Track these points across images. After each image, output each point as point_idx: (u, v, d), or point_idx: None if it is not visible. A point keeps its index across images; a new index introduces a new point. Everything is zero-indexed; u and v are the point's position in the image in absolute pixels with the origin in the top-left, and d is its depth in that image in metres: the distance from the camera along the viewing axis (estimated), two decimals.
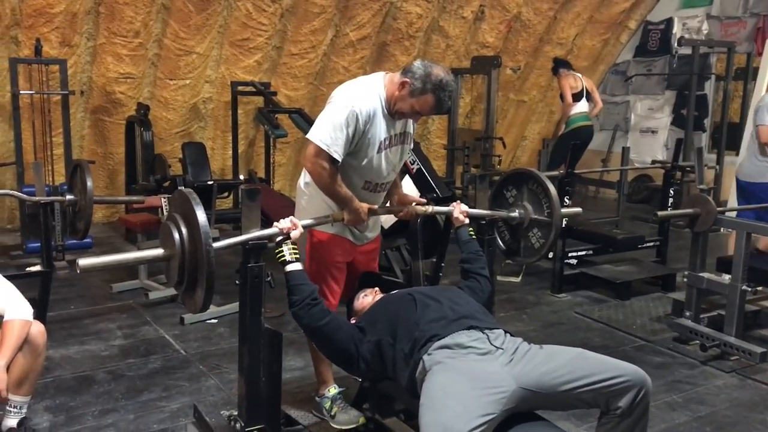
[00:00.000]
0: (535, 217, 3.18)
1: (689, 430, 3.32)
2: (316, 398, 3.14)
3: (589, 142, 7.84)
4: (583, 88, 7.67)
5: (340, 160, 2.76)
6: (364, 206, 2.85)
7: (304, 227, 2.70)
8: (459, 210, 3.06)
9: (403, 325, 2.50)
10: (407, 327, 2.49)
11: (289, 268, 2.60)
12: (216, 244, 2.24)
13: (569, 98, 7.60)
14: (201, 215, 2.20)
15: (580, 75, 7.84)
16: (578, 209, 3.56)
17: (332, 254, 3.03)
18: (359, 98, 2.77)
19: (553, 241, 3.15)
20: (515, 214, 3.23)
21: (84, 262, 2.15)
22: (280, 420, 2.87)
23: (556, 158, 7.41)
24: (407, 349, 2.44)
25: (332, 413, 3.04)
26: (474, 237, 3.06)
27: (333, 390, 3.12)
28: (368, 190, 2.97)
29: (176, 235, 2.26)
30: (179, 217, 2.28)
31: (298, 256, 2.61)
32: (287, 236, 2.60)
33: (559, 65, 7.88)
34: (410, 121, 3.01)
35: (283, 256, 2.61)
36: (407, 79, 2.73)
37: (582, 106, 7.67)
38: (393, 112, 2.82)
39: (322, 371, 3.16)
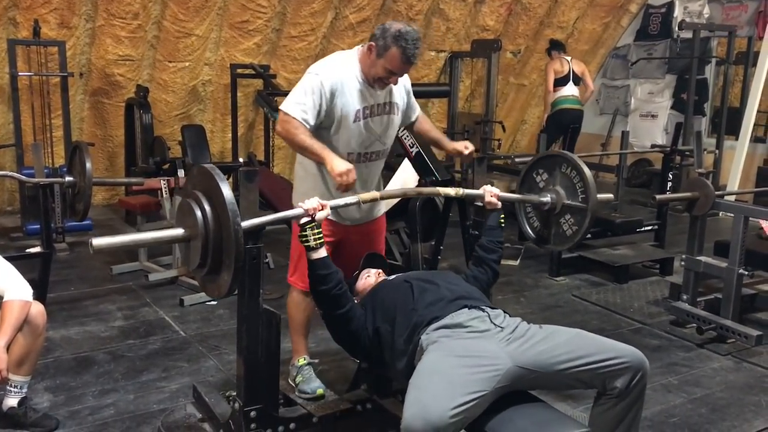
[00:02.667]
0: (569, 202, 2.96)
1: (684, 412, 3.35)
2: (290, 367, 3.19)
3: (576, 125, 7.98)
4: (569, 72, 7.78)
5: (306, 123, 2.81)
6: (350, 165, 2.74)
7: (332, 208, 2.57)
8: (490, 193, 2.91)
9: (401, 313, 2.51)
10: (405, 314, 2.49)
11: (314, 255, 2.48)
12: (244, 223, 2.09)
13: (550, 85, 7.79)
14: (227, 192, 2.04)
15: (568, 58, 7.92)
16: (610, 195, 3.27)
17: None
18: (325, 68, 2.89)
19: (588, 228, 2.91)
20: (547, 198, 3.02)
21: (98, 242, 2.02)
22: (279, 400, 2.88)
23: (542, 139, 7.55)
24: (406, 335, 2.45)
25: (296, 382, 3.09)
26: (503, 225, 2.93)
27: (302, 360, 3.16)
28: (354, 161, 2.96)
29: (198, 214, 2.09)
30: (201, 195, 2.11)
31: (322, 240, 2.49)
32: (312, 218, 2.46)
33: (552, 47, 7.98)
34: (395, 92, 3.02)
35: (307, 240, 2.46)
36: (372, 43, 2.82)
37: (568, 90, 7.80)
38: (372, 81, 2.88)
39: (295, 341, 3.22)
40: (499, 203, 2.91)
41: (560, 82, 7.82)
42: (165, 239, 2.24)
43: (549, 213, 3.05)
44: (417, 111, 3.29)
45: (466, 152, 3.17)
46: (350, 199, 2.66)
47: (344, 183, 2.73)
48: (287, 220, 2.47)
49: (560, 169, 3.01)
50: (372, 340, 2.58)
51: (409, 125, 3.35)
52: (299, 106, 2.83)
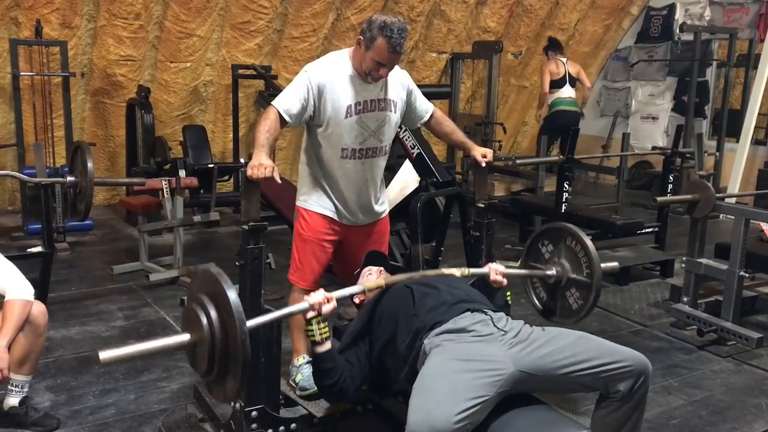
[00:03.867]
0: (574, 276, 2.89)
1: (685, 414, 3.35)
2: (290, 367, 3.19)
3: (574, 127, 7.86)
4: (565, 74, 7.80)
5: (286, 117, 2.86)
6: (268, 170, 2.61)
7: (338, 299, 2.44)
8: (495, 271, 2.80)
9: (402, 320, 2.49)
10: (407, 320, 2.48)
11: (319, 349, 2.42)
12: (249, 323, 2.01)
13: (546, 87, 7.80)
14: (233, 297, 1.96)
15: (564, 60, 7.95)
16: (615, 264, 3.17)
17: (317, 232, 3.08)
18: (315, 66, 2.95)
19: (593, 303, 2.84)
20: (552, 272, 2.94)
21: (105, 355, 1.98)
22: (280, 401, 2.89)
23: (541, 141, 7.71)
24: (408, 340, 2.44)
25: (296, 381, 3.09)
26: (509, 303, 2.85)
27: (302, 359, 3.17)
28: (348, 158, 2.99)
29: (204, 320, 2.02)
30: (206, 299, 2.05)
31: (329, 335, 2.43)
32: (319, 313, 2.37)
33: (549, 47, 8.01)
34: (391, 88, 3.03)
35: (313, 335, 2.39)
36: (360, 37, 2.85)
37: (565, 92, 7.82)
38: (364, 75, 2.89)
39: (295, 339, 3.23)
40: (505, 281, 2.82)
41: (557, 84, 7.85)
42: (172, 346, 2.12)
43: (555, 286, 2.99)
44: (429, 111, 3.25)
45: (483, 163, 3.12)
46: (355, 289, 2.57)
47: (251, 175, 2.61)
48: (293, 314, 2.43)
49: (564, 242, 2.96)
50: (373, 352, 2.57)
51: (427, 126, 3.33)
52: (284, 99, 2.89)
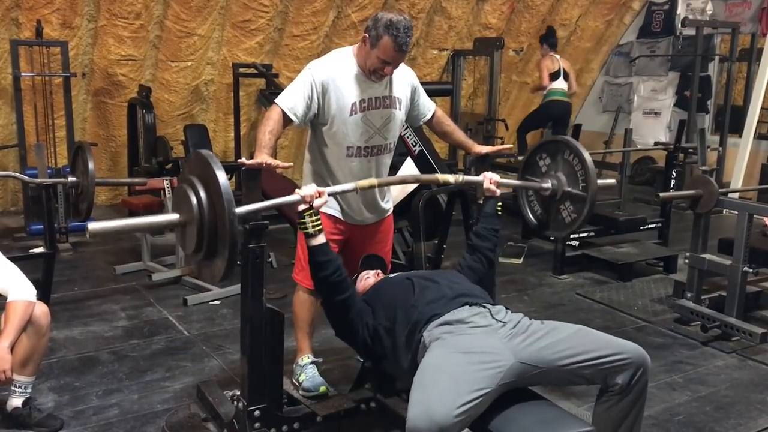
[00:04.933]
0: (569, 189, 2.92)
1: (689, 410, 3.34)
2: (294, 366, 3.18)
3: (566, 118, 8.32)
4: (560, 69, 8.07)
5: (291, 115, 2.85)
6: (270, 161, 2.67)
7: (330, 194, 2.57)
8: (489, 180, 2.88)
9: (401, 310, 2.50)
10: (405, 311, 2.49)
11: (313, 242, 2.49)
12: (238, 210, 2.08)
13: (546, 80, 8.04)
14: (222, 178, 2.02)
15: (558, 56, 8.19)
16: (612, 181, 3.24)
17: (323, 232, 3.06)
18: (319, 63, 2.94)
19: (587, 216, 2.89)
20: (548, 184, 2.98)
21: (94, 226, 2.00)
22: (282, 400, 2.89)
23: (526, 124, 8.40)
24: (407, 332, 2.45)
25: (300, 381, 3.09)
26: (500, 213, 2.91)
27: (306, 359, 3.16)
28: (353, 156, 2.98)
29: (194, 199, 2.08)
30: (196, 180, 2.10)
31: (321, 227, 2.51)
32: (310, 206, 2.47)
33: (546, 39, 8.21)
34: (396, 86, 3.02)
35: (306, 227, 2.48)
36: (365, 35, 2.83)
37: (559, 84, 8.07)
38: (368, 73, 2.89)
39: (299, 339, 3.22)
40: (498, 191, 2.88)
41: (552, 76, 8.06)
42: (161, 223, 2.24)
43: (550, 199, 3.02)
44: (431, 109, 3.26)
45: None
46: (347, 186, 2.66)
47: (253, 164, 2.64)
48: (284, 206, 2.48)
49: (563, 155, 2.97)
50: (372, 336, 2.58)
51: (428, 125, 3.33)
52: (288, 97, 2.88)
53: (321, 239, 2.50)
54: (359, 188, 2.66)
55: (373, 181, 2.74)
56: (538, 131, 8.57)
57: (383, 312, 2.57)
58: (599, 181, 2.87)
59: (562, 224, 2.99)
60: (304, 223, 2.47)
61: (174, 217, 2.14)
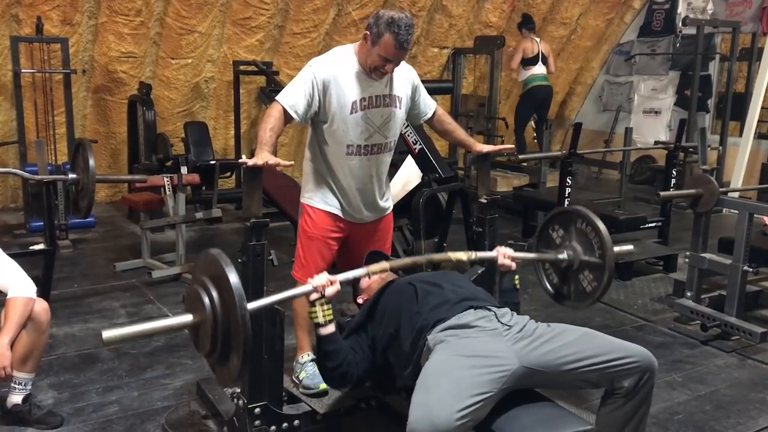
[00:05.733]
0: (586, 258, 2.83)
1: (689, 409, 3.35)
2: (294, 364, 3.18)
3: (549, 101, 8.48)
4: (539, 53, 8.13)
5: (292, 113, 2.84)
6: (272, 159, 2.64)
7: (342, 282, 2.43)
8: (503, 255, 2.75)
9: (405, 318, 2.47)
10: (410, 318, 2.46)
11: (323, 331, 2.41)
12: (250, 306, 2.04)
13: (515, 62, 8.17)
14: (233, 277, 2.00)
15: (538, 39, 8.24)
16: (630, 247, 3.09)
17: (323, 230, 3.07)
18: (319, 61, 2.93)
19: (607, 284, 2.77)
20: (563, 256, 2.88)
21: (108, 334, 1.99)
22: (283, 398, 2.89)
23: (519, 119, 8.39)
24: (411, 339, 2.42)
25: (300, 378, 3.08)
26: (518, 288, 2.82)
27: (306, 357, 3.16)
28: (354, 154, 2.97)
29: (206, 300, 2.05)
30: (208, 280, 2.08)
31: (332, 317, 2.42)
32: (322, 295, 2.36)
33: (524, 24, 8.29)
34: (396, 84, 3.01)
35: (316, 317, 2.39)
36: (366, 32, 2.82)
37: (539, 69, 8.15)
38: (369, 71, 2.87)
39: (299, 337, 3.22)
40: (513, 264, 2.76)
41: (530, 61, 8.13)
42: (176, 326, 2.17)
43: (567, 270, 2.93)
44: (432, 108, 3.25)
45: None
46: (359, 272, 2.55)
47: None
48: (296, 297, 2.44)
49: (575, 225, 2.90)
50: (374, 348, 2.55)
51: (429, 123, 3.32)
52: (289, 94, 2.87)
53: (331, 329, 2.41)
54: (371, 273, 2.56)
55: (385, 265, 2.60)
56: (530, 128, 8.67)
57: (387, 320, 2.53)
58: (616, 248, 2.79)
59: (583, 294, 2.90)
60: (315, 312, 2.38)
61: (188, 318, 2.12)
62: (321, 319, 2.38)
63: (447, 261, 2.74)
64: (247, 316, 1.96)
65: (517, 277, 2.82)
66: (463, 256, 2.72)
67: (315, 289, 2.34)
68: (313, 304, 2.37)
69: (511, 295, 2.79)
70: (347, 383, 2.56)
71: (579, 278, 2.88)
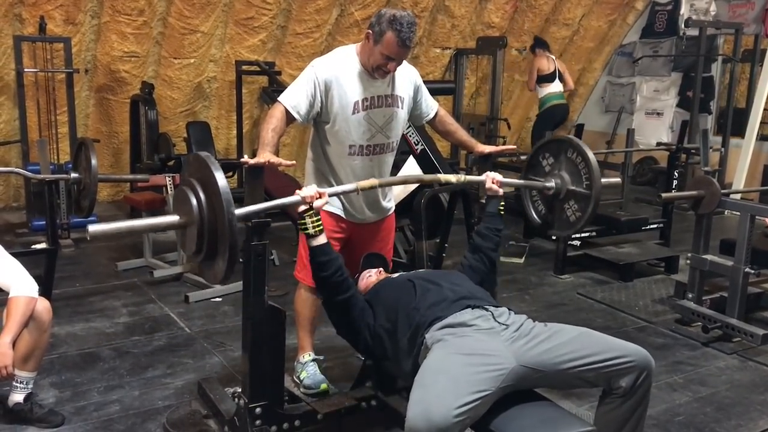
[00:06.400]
0: (573, 188, 2.89)
1: (690, 411, 3.35)
2: (295, 364, 3.18)
3: (565, 119, 8.40)
4: (555, 70, 8.06)
5: (294, 113, 2.86)
6: (274, 159, 2.66)
7: (331, 195, 2.56)
8: (491, 179, 2.86)
9: (403, 313, 2.49)
10: (407, 314, 2.48)
11: (314, 242, 2.49)
12: (237, 211, 2.09)
13: (532, 83, 8.12)
14: (221, 180, 2.04)
15: (553, 57, 8.19)
16: (617, 179, 3.20)
17: (325, 230, 3.05)
18: (321, 62, 2.94)
19: (591, 214, 2.85)
20: (551, 183, 2.95)
21: (93, 228, 2.01)
22: (283, 397, 2.89)
23: (537, 139, 8.05)
24: (409, 335, 2.43)
25: (301, 378, 3.09)
26: (502, 213, 2.88)
27: (307, 356, 3.16)
28: (356, 154, 2.98)
29: (194, 201, 2.09)
30: (196, 182, 2.11)
31: (321, 227, 2.51)
32: (310, 206, 2.46)
33: (537, 45, 8.22)
34: (399, 84, 3.02)
35: (306, 228, 2.48)
36: (368, 31, 2.83)
37: (555, 87, 8.07)
38: (372, 70, 2.88)
39: (301, 337, 3.22)
40: (500, 189, 2.86)
41: (547, 79, 8.05)
42: (161, 226, 2.24)
43: (554, 198, 2.99)
44: (434, 108, 3.25)
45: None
46: (348, 186, 2.65)
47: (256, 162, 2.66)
48: (284, 207, 2.47)
49: (566, 154, 2.95)
50: (374, 336, 2.57)
51: (430, 124, 3.32)
52: (291, 95, 2.88)
53: (322, 239, 2.50)
54: (360, 189, 2.66)
55: (374, 181, 2.72)
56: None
57: (384, 314, 2.56)
58: (603, 180, 2.84)
59: (566, 223, 2.97)
60: (305, 223, 2.47)
61: (174, 218, 2.15)
62: (311, 230, 2.47)
63: (436, 181, 2.86)
64: (233, 219, 2.00)
65: (502, 203, 2.88)
66: (452, 178, 2.84)
67: (303, 200, 2.44)
68: (302, 216, 2.46)
69: (495, 219, 2.87)
70: (341, 292, 2.54)
71: (564, 207, 2.95)
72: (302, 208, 2.46)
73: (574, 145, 2.94)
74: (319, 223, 2.49)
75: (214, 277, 2.21)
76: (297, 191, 2.48)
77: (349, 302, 2.56)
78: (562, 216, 2.97)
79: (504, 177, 2.93)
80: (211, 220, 2.07)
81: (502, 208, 2.89)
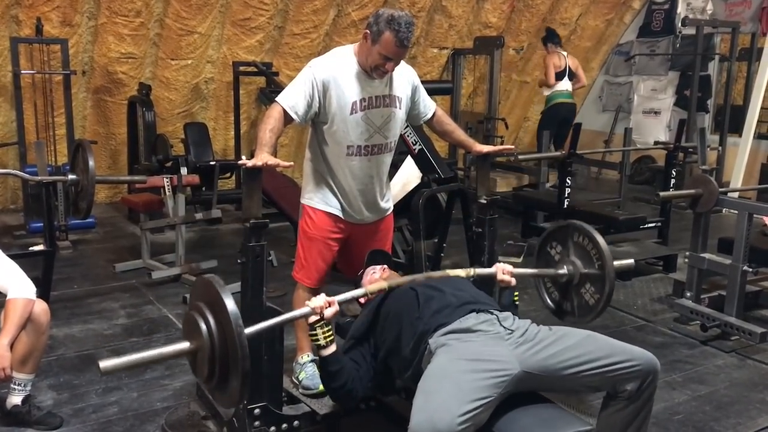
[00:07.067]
0: (586, 271, 2.80)
1: (689, 409, 3.35)
2: (293, 364, 3.18)
3: (571, 119, 8.15)
4: (566, 67, 7.98)
5: (293, 114, 2.85)
6: (271, 160, 2.63)
7: (341, 303, 2.41)
8: (502, 271, 2.72)
9: (406, 322, 2.46)
10: (411, 323, 2.45)
11: (324, 353, 2.39)
12: (247, 330, 2.02)
13: (551, 79, 7.94)
14: (229, 301, 1.97)
15: (565, 53, 8.11)
16: (630, 261, 3.03)
17: (323, 231, 3.07)
18: (319, 62, 2.94)
19: (609, 295, 2.73)
20: (563, 271, 2.85)
21: (105, 364, 1.93)
22: (282, 398, 2.89)
23: (540, 137, 7.92)
24: (412, 344, 2.41)
25: (300, 379, 3.09)
26: (517, 304, 2.76)
27: (306, 357, 3.16)
28: (354, 155, 2.98)
29: (203, 326, 2.03)
30: (204, 306, 2.06)
31: (332, 338, 2.40)
32: (321, 317, 2.34)
33: (549, 38, 8.12)
34: (396, 84, 3.02)
35: (317, 339, 2.36)
36: (366, 31, 2.83)
37: (564, 84, 8.00)
38: (370, 70, 2.88)
39: (299, 338, 3.22)
40: (513, 281, 2.73)
41: (557, 76, 7.98)
42: (172, 354, 2.12)
43: (568, 285, 2.90)
44: (432, 108, 3.25)
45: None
46: (357, 292, 2.52)
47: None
48: (295, 319, 2.42)
49: (572, 239, 2.88)
50: (378, 371, 2.55)
51: (428, 124, 3.32)
52: (289, 95, 2.87)
53: (332, 348, 2.40)
54: (369, 293, 2.55)
55: (383, 285, 2.58)
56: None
57: (388, 327, 2.52)
58: (616, 263, 2.76)
59: (586, 307, 2.85)
60: (316, 335, 2.35)
61: (185, 345, 2.09)
62: (322, 341, 2.36)
63: (445, 278, 2.68)
64: (244, 340, 1.94)
65: (516, 293, 2.78)
66: (462, 273, 2.70)
67: (314, 311, 2.32)
68: (312, 327, 2.35)
69: (511, 311, 2.71)
70: (353, 400, 2.57)
71: (581, 292, 2.84)
72: (312, 319, 2.34)
73: (579, 229, 2.88)
74: (330, 333, 2.39)
75: (230, 401, 2.13)
76: (307, 302, 2.36)
77: (356, 389, 2.49)
78: (581, 301, 2.87)
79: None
80: (222, 343, 2.01)
81: (517, 298, 2.79)
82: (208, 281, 2.07)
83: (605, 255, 2.73)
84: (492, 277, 2.74)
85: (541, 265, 3.00)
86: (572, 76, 8.07)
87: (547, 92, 8.13)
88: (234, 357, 1.96)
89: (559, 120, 8.00)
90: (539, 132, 7.96)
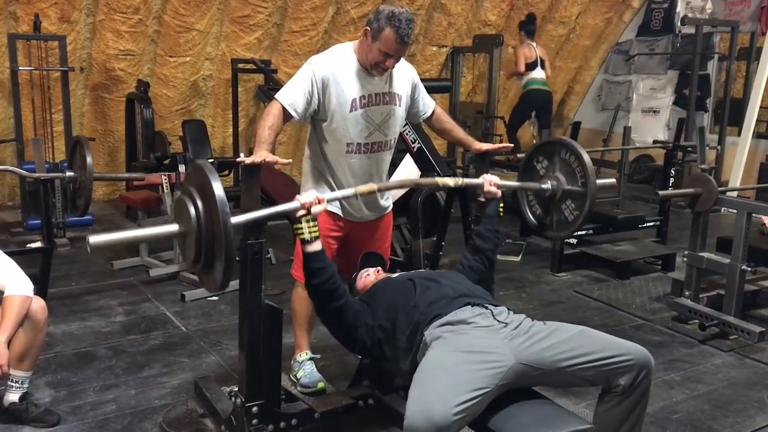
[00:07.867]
0: (569, 187, 2.91)
1: (687, 408, 3.35)
2: (292, 362, 3.18)
3: (549, 107, 8.39)
4: (537, 58, 8.09)
5: (292, 111, 2.84)
6: (270, 157, 2.63)
7: (329, 201, 2.53)
8: (489, 182, 2.87)
9: (402, 311, 2.48)
10: (407, 311, 2.47)
11: (309, 248, 2.43)
12: (234, 220, 2.09)
13: (521, 67, 8.04)
14: (218, 187, 2.04)
15: (535, 44, 8.18)
16: (612, 180, 3.22)
17: (323, 229, 3.05)
18: (318, 59, 2.93)
19: (588, 212, 2.85)
20: (547, 185, 2.96)
21: (94, 239, 1.99)
22: (281, 396, 2.88)
23: (513, 120, 8.36)
24: (408, 333, 2.42)
25: (298, 377, 3.08)
26: (501, 214, 2.89)
27: (304, 355, 3.16)
28: (353, 152, 2.98)
29: (192, 210, 2.10)
30: (194, 191, 2.12)
31: (317, 234, 2.45)
32: (308, 211, 2.42)
33: (526, 25, 8.18)
34: (396, 82, 3.01)
35: (303, 233, 2.42)
36: (366, 28, 2.82)
37: (538, 73, 8.10)
38: (370, 67, 2.87)
39: (298, 335, 3.22)
40: (499, 192, 2.88)
41: (529, 66, 8.07)
42: (161, 235, 2.23)
43: (550, 200, 3.01)
44: (431, 107, 3.25)
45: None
46: (347, 192, 2.63)
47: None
48: (284, 215, 2.45)
49: (559, 155, 2.96)
50: (372, 337, 2.56)
51: (427, 122, 3.32)
52: (288, 93, 2.87)
53: (317, 246, 2.45)
54: (359, 194, 2.63)
55: (373, 186, 2.70)
56: (530, 129, 8.63)
57: (384, 313, 2.54)
58: (599, 181, 2.86)
59: (564, 223, 2.98)
60: (301, 228, 2.42)
61: (174, 227, 2.15)
62: (307, 236, 2.42)
63: (434, 185, 2.85)
64: (229, 225, 2.02)
65: (501, 205, 2.91)
66: (450, 181, 2.86)
67: (302, 206, 2.40)
68: (299, 220, 2.42)
69: (494, 221, 2.88)
70: (331, 300, 2.50)
71: (561, 208, 2.97)
72: (300, 213, 2.41)
73: (567, 145, 2.95)
74: (316, 229, 2.45)
75: (214, 284, 2.19)
76: (297, 196, 2.44)
77: (342, 309, 2.52)
78: (560, 217, 2.98)
79: (501, 178, 2.94)
80: (209, 228, 2.07)
81: (501, 209, 2.90)
82: (200, 166, 2.14)
83: (589, 173, 2.83)
84: (479, 188, 2.91)
85: (526, 178, 3.10)
86: (543, 65, 8.16)
87: (522, 80, 8.21)
88: (219, 242, 2.04)
89: (535, 106, 8.17)
90: (512, 116, 8.35)
